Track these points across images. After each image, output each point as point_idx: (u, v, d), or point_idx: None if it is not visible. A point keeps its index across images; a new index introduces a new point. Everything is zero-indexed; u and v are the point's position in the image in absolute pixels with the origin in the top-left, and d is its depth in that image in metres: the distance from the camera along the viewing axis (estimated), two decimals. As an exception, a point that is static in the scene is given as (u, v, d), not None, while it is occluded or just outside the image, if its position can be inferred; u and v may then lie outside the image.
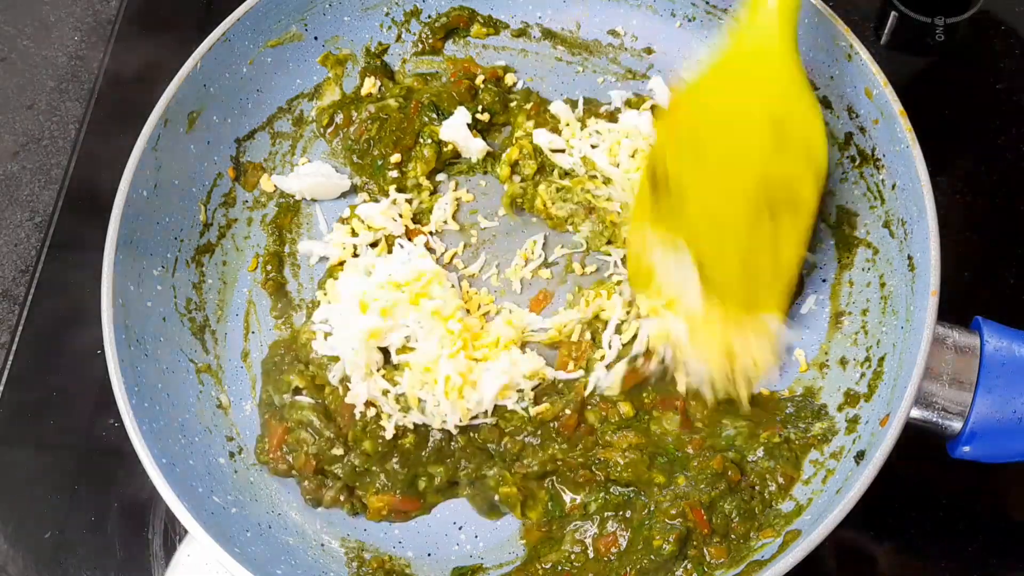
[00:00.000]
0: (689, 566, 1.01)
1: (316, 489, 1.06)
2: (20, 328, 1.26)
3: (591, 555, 1.03)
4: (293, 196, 1.23)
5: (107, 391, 1.00)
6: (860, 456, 0.98)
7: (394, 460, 1.07)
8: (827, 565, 1.10)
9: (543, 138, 1.21)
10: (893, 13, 1.41)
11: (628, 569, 1.00)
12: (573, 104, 1.25)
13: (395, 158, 1.23)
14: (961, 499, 1.14)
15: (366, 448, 1.06)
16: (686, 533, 1.00)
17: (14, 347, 1.25)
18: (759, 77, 0.99)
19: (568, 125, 1.23)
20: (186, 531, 1.09)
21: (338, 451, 1.07)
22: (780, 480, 1.03)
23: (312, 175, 1.22)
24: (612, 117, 1.24)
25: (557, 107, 1.25)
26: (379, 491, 1.06)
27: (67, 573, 1.13)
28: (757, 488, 1.03)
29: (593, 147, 1.20)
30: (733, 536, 1.02)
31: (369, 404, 1.08)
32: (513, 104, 1.27)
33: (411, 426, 1.07)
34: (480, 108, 1.25)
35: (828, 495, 0.98)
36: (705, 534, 1.01)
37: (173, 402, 1.07)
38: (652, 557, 1.00)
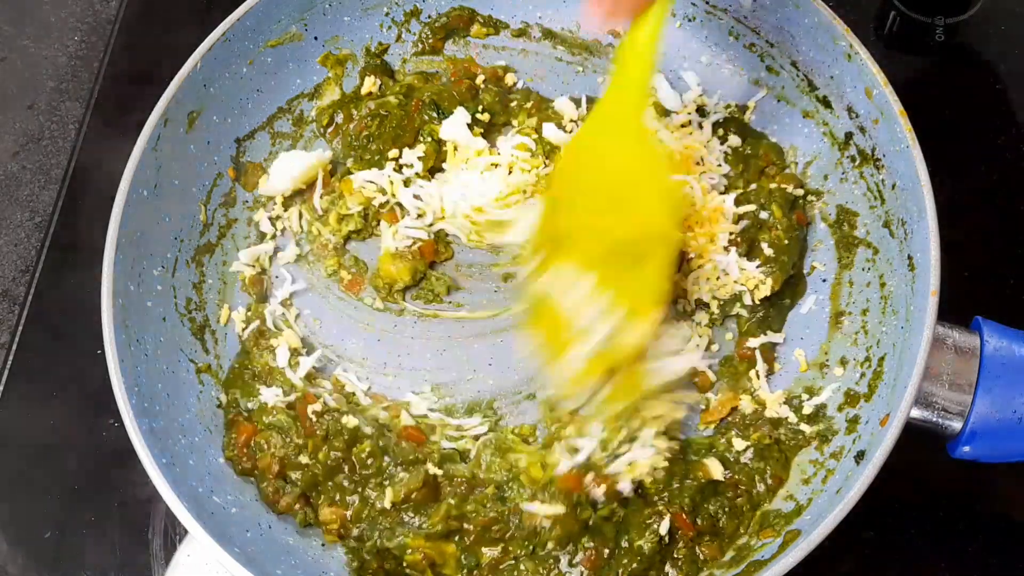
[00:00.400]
0: (683, 566, 1.01)
1: (274, 493, 1.05)
2: (20, 328, 1.26)
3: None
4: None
5: (107, 391, 1.00)
6: (860, 456, 0.98)
7: (342, 476, 1.06)
8: (827, 565, 1.10)
9: (552, 132, 1.21)
10: (893, 13, 1.41)
11: (619, 572, 1.00)
12: (577, 102, 1.25)
13: (393, 153, 1.23)
14: (961, 499, 1.14)
15: (320, 458, 1.05)
16: (668, 528, 1.00)
17: (14, 347, 1.25)
18: (614, 142, 1.03)
19: (573, 121, 1.23)
20: (186, 531, 1.08)
21: (304, 459, 1.06)
22: (769, 481, 1.03)
23: (288, 166, 1.21)
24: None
25: (561, 103, 1.25)
26: (333, 503, 1.05)
27: (67, 573, 1.13)
28: (743, 488, 1.03)
29: None
30: (723, 534, 1.02)
31: (323, 410, 1.08)
32: (513, 104, 1.27)
33: (366, 430, 1.07)
34: (480, 108, 1.25)
35: (828, 495, 0.98)
36: (691, 536, 1.01)
37: (173, 402, 1.06)
38: (639, 559, 1.00)
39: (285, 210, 1.22)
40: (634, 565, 0.99)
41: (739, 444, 1.06)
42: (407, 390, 1.14)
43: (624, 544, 1.01)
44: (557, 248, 1.05)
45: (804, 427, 1.06)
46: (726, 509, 1.02)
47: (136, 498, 1.15)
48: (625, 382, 1.05)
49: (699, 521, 1.02)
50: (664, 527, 1.00)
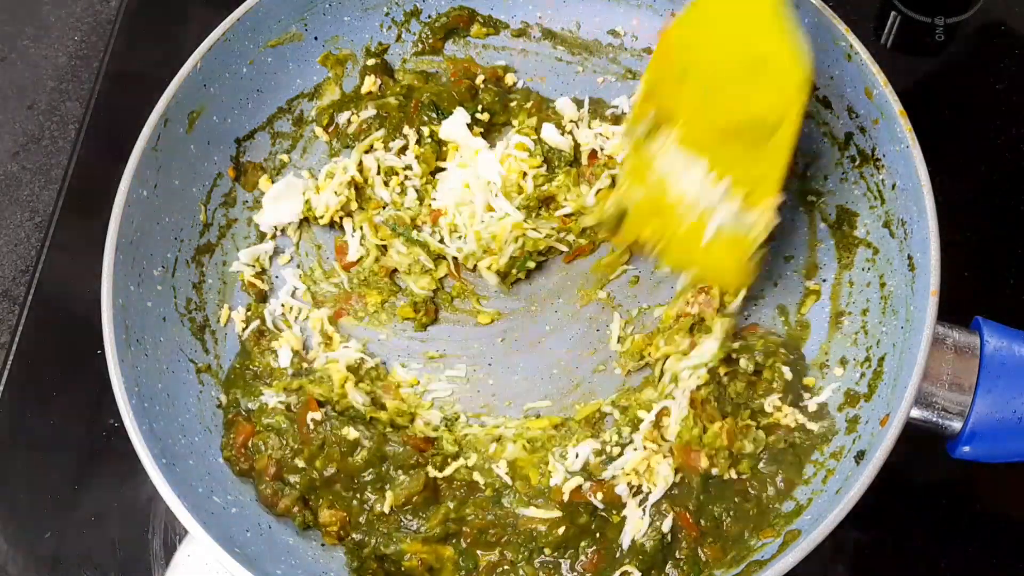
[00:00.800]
0: (685, 567, 1.01)
1: (272, 495, 1.05)
2: (20, 328, 1.26)
3: None
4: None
5: (107, 391, 1.00)
6: (860, 456, 0.98)
7: (339, 485, 1.05)
8: (827, 565, 1.10)
9: (551, 133, 1.21)
10: (893, 13, 1.41)
11: (627, 560, 1.00)
12: (579, 104, 1.25)
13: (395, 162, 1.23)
14: (961, 499, 1.14)
15: (318, 466, 1.05)
16: (670, 529, 1.00)
17: (14, 347, 1.25)
18: (739, 15, 0.99)
19: (573, 122, 1.23)
20: (186, 531, 1.09)
21: (300, 463, 1.06)
22: (781, 485, 1.03)
23: (283, 194, 1.21)
24: (617, 121, 1.24)
25: (562, 104, 1.25)
26: (332, 506, 1.05)
27: (67, 573, 1.13)
28: (754, 492, 1.03)
29: (600, 149, 1.21)
30: (726, 536, 1.01)
31: (322, 419, 1.07)
32: (513, 104, 1.27)
33: (365, 443, 1.06)
34: (480, 108, 1.25)
35: (828, 495, 0.98)
36: (694, 536, 1.01)
37: (173, 402, 1.06)
38: (641, 557, 1.00)
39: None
40: (635, 563, 0.99)
41: (750, 446, 1.05)
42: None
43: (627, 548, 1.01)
44: (666, 125, 1.02)
45: (812, 425, 1.06)
46: (731, 512, 1.02)
47: (136, 498, 1.15)
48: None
49: (703, 522, 1.02)
50: (667, 525, 1.00)
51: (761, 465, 1.04)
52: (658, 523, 1.01)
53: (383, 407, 1.10)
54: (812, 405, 1.07)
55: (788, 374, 1.07)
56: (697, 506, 1.02)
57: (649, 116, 1.05)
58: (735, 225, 1.01)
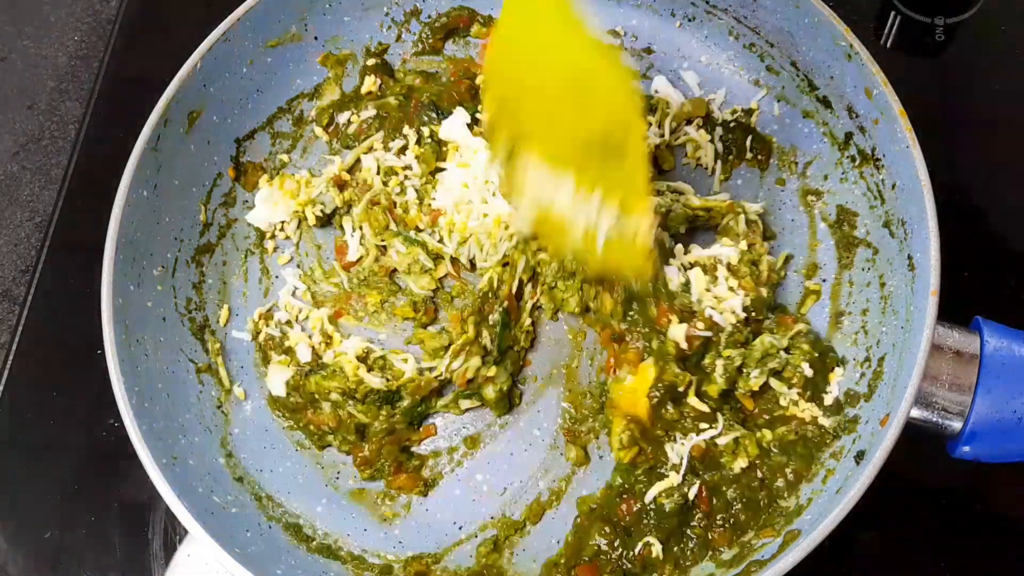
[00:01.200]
0: (695, 548, 1.02)
1: (322, 436, 1.10)
2: (20, 328, 1.26)
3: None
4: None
5: (107, 391, 1.00)
6: (860, 456, 0.98)
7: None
8: (827, 564, 1.10)
9: None
10: (893, 13, 1.41)
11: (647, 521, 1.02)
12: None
13: (393, 161, 1.23)
14: (961, 499, 1.14)
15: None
16: (685, 499, 1.02)
17: (14, 347, 1.25)
18: (548, 35, 0.98)
19: None
20: (186, 531, 1.09)
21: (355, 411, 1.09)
22: (790, 477, 1.03)
23: (275, 194, 1.21)
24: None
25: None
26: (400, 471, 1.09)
27: (67, 573, 1.13)
28: (766, 480, 1.04)
29: None
30: (735, 522, 1.02)
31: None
32: (513, 104, 1.27)
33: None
34: (480, 108, 1.25)
35: (828, 495, 0.99)
36: (705, 511, 1.02)
37: (173, 402, 1.07)
38: (663, 524, 1.02)
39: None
40: (655, 533, 1.01)
41: (768, 435, 1.06)
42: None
43: (651, 504, 1.03)
44: (522, 146, 1.01)
45: (824, 420, 1.06)
46: (744, 499, 1.03)
47: (136, 498, 1.15)
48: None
49: (715, 500, 1.03)
50: (693, 491, 1.02)
51: (773, 453, 1.05)
52: (685, 490, 1.02)
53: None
54: (828, 399, 1.07)
55: (808, 371, 1.07)
56: (714, 483, 1.03)
57: (504, 140, 1.04)
58: (620, 231, 1.00)
